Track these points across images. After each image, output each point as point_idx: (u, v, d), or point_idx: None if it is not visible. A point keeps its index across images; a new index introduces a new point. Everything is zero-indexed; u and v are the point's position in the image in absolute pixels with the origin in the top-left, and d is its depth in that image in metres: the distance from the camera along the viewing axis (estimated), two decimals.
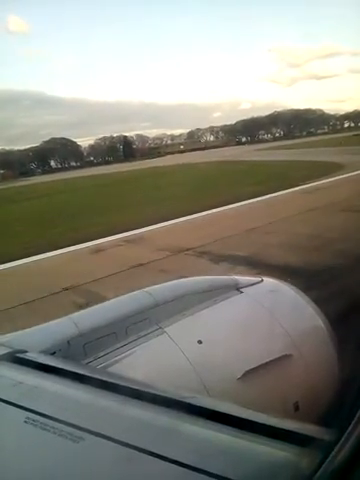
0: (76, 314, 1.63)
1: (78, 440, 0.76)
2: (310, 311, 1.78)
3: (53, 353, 1.39)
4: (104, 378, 1.06)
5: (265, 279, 1.93)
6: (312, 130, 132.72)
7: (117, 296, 1.76)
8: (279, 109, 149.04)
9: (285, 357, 1.54)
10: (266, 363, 1.47)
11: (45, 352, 1.36)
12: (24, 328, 1.55)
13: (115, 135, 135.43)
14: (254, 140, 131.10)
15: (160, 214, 11.61)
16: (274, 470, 0.65)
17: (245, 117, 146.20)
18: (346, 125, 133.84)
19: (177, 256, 7.35)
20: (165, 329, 1.55)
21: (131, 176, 36.52)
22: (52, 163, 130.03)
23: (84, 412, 0.88)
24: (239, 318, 1.69)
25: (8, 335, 1.49)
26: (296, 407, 1.50)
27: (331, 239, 6.88)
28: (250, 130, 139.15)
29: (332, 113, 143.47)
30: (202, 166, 35.58)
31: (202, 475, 0.64)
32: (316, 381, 1.59)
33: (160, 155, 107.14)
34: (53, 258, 8.51)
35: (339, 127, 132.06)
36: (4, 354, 1.25)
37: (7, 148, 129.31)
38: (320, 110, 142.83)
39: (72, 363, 1.33)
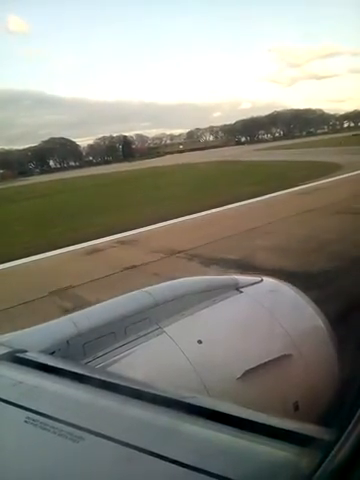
0: (75, 314, 1.63)
1: (78, 440, 0.76)
2: (310, 311, 1.78)
3: (52, 353, 1.39)
4: (104, 378, 1.06)
5: (265, 279, 1.93)
6: (312, 130, 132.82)
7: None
8: (279, 109, 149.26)
9: (285, 357, 1.54)
10: (266, 363, 1.47)
11: (44, 352, 1.36)
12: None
13: (115, 135, 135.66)
14: (254, 140, 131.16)
15: (156, 215, 11.58)
16: (274, 470, 0.65)
17: (245, 117, 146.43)
18: (346, 125, 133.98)
19: (169, 259, 7.26)
20: (165, 329, 1.55)
21: (130, 176, 36.54)
22: (51, 163, 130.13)
23: (84, 412, 0.88)
24: (239, 318, 1.69)
25: (8, 335, 1.49)
26: (296, 407, 1.50)
27: (327, 241, 6.82)
28: (250, 130, 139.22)
29: (332, 113, 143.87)
30: (201, 166, 35.61)
31: (202, 475, 0.64)
32: (316, 381, 1.59)
33: (159, 155, 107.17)
34: (45, 260, 8.42)
35: (339, 127, 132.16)
36: (4, 354, 1.25)
37: (6, 148, 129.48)
38: (320, 110, 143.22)
39: (72, 363, 1.33)
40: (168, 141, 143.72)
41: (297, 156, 30.40)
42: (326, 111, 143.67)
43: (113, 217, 13.13)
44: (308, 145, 46.64)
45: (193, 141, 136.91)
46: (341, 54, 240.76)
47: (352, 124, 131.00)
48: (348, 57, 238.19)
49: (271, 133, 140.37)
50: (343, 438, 0.55)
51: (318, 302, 1.85)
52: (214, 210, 11.51)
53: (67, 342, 1.43)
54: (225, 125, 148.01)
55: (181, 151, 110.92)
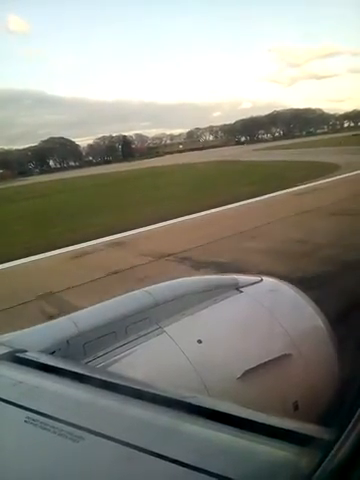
0: (76, 313, 1.63)
1: (78, 439, 0.76)
2: (310, 310, 1.78)
3: (53, 353, 1.39)
4: (104, 378, 1.06)
5: (265, 278, 1.93)
6: (311, 130, 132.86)
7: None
8: (279, 109, 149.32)
9: (285, 356, 1.54)
10: (266, 362, 1.47)
11: (45, 352, 1.36)
12: None
13: (114, 135, 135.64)
14: (253, 140, 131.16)
15: (151, 216, 11.51)
16: (274, 469, 0.65)
17: (245, 117, 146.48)
18: (346, 125, 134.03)
19: (158, 262, 7.12)
20: (165, 328, 1.55)
21: (128, 176, 36.56)
22: (51, 163, 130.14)
23: (84, 412, 0.88)
24: (239, 317, 1.69)
25: (8, 335, 1.49)
26: (295, 406, 1.50)
27: (319, 244, 6.69)
28: (249, 130, 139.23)
29: (332, 113, 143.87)
30: (199, 166, 35.66)
31: (202, 474, 0.64)
32: (315, 380, 1.60)
33: (159, 155, 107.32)
34: (34, 262, 8.28)
35: (339, 127, 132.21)
36: (4, 354, 1.25)
37: (6, 148, 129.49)
38: (319, 110, 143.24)
39: (72, 363, 1.33)
40: (168, 141, 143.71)
41: (296, 156, 30.35)
42: (326, 111, 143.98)
43: (107, 218, 13.09)
44: (307, 145, 46.57)
45: (193, 141, 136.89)
46: (341, 54, 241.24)
47: (352, 124, 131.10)
48: (348, 57, 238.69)
49: (271, 133, 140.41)
50: (343, 437, 0.55)
51: None
52: (209, 211, 11.42)
53: (67, 342, 1.43)
54: (225, 125, 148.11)
55: (181, 151, 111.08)
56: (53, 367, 1.13)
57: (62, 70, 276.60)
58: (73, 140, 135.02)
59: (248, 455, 0.69)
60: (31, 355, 1.25)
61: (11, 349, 1.29)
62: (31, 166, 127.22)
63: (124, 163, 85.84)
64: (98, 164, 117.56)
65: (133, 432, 0.78)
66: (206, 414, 0.80)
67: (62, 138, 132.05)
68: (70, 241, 9.63)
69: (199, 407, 0.84)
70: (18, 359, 1.21)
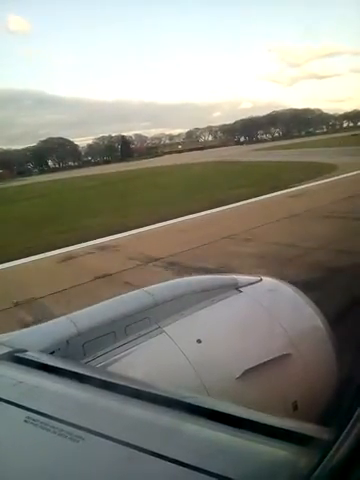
0: (75, 313, 1.63)
1: (78, 439, 0.76)
2: (309, 310, 1.78)
3: (52, 352, 1.39)
4: (103, 377, 1.06)
5: (264, 278, 1.93)
6: (311, 130, 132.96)
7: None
8: (278, 109, 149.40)
9: (284, 356, 1.54)
10: (265, 362, 1.48)
11: (44, 351, 1.36)
12: None
13: (113, 135, 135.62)
14: (252, 140, 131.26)
15: (143, 218, 11.41)
16: (273, 469, 0.65)
17: (244, 117, 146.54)
18: (345, 125, 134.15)
19: (146, 266, 6.98)
20: (164, 328, 1.55)
21: (126, 176, 36.47)
22: (50, 163, 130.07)
23: (84, 411, 0.88)
24: (238, 317, 1.69)
25: (7, 334, 1.49)
26: (295, 406, 1.50)
27: (310, 249, 6.54)
28: (249, 130, 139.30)
29: (331, 113, 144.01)
30: (197, 167, 35.72)
31: (202, 474, 0.64)
32: (315, 380, 1.60)
33: (158, 155, 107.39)
34: (18, 267, 8.07)
35: (338, 127, 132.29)
36: (4, 353, 1.25)
37: (5, 148, 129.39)
38: (319, 110, 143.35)
39: (71, 362, 1.33)
40: (167, 141, 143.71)
41: (293, 157, 30.27)
42: (325, 111, 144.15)
43: (98, 220, 13.05)
44: (306, 145, 46.57)
45: (192, 141, 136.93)
46: (341, 54, 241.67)
47: (351, 124, 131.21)
48: (348, 56, 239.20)
49: (270, 133, 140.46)
50: (342, 437, 0.55)
51: None
52: (201, 213, 11.31)
53: (67, 342, 1.43)
54: (224, 125, 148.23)
55: (180, 151, 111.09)
56: (53, 367, 1.13)
57: (62, 70, 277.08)
58: (73, 140, 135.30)
59: (247, 455, 0.70)
60: (31, 355, 1.25)
61: (11, 349, 1.29)
62: (30, 166, 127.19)
63: (122, 163, 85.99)
64: (97, 164, 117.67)
65: (133, 432, 0.78)
66: (205, 414, 0.81)
67: (61, 138, 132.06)
68: (62, 243, 9.51)
69: (198, 407, 0.84)
70: (18, 359, 1.21)
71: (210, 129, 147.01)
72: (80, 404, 0.93)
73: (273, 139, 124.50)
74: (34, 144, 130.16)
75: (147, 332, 1.54)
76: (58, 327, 1.52)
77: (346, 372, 1.60)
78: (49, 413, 0.85)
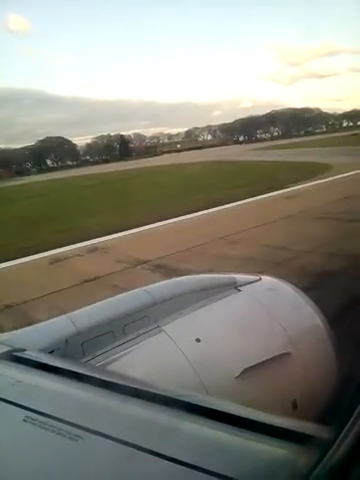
0: (74, 313, 1.63)
1: (77, 438, 0.76)
2: (308, 309, 1.78)
3: (51, 352, 1.39)
4: (102, 377, 1.06)
5: (263, 277, 1.93)
6: (310, 129, 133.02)
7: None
8: (278, 108, 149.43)
9: (283, 355, 1.54)
10: (264, 361, 1.48)
11: (43, 351, 1.36)
12: None
13: (112, 134, 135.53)
14: (251, 139, 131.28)
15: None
16: (273, 468, 0.65)
17: (244, 116, 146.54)
18: (344, 124, 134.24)
19: (134, 269, 6.92)
20: (163, 327, 1.55)
21: (124, 176, 36.51)
22: (49, 162, 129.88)
23: (83, 411, 0.88)
24: (237, 316, 1.69)
25: (7, 334, 1.49)
26: (294, 405, 1.50)
27: (301, 252, 6.45)
28: (248, 129, 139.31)
29: (331, 112, 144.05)
30: (195, 167, 35.73)
31: (201, 473, 0.64)
32: (314, 379, 1.60)
33: (156, 154, 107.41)
34: (7, 269, 8.01)
35: (338, 126, 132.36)
36: (3, 353, 1.25)
37: (3, 147, 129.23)
38: (318, 109, 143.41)
39: (71, 362, 1.33)
40: (166, 140, 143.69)
41: (291, 156, 30.21)
42: (325, 110, 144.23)
43: (90, 220, 13.01)
44: (305, 145, 46.58)
45: (191, 140, 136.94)
46: (341, 53, 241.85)
47: (351, 123, 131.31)
48: (348, 56, 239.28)
49: (269, 132, 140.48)
50: (341, 436, 0.55)
51: None
52: (198, 213, 11.26)
53: (66, 341, 1.43)
54: (224, 124, 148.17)
55: (178, 150, 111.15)
56: (52, 366, 1.12)
57: (62, 69, 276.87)
58: (72, 139, 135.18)
59: (247, 454, 0.70)
60: (30, 354, 1.25)
61: (10, 348, 1.29)
62: (29, 165, 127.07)
63: (121, 162, 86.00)
64: (96, 163, 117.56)
65: (132, 431, 0.78)
66: (205, 413, 0.80)
67: (60, 137, 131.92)
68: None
69: (197, 406, 0.84)
70: (17, 358, 1.21)
71: (209, 128, 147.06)
72: (79, 403, 0.93)
73: (272, 138, 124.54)
74: (33, 143, 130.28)
75: (146, 331, 1.54)
76: (57, 326, 1.52)
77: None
78: (48, 412, 0.85)
